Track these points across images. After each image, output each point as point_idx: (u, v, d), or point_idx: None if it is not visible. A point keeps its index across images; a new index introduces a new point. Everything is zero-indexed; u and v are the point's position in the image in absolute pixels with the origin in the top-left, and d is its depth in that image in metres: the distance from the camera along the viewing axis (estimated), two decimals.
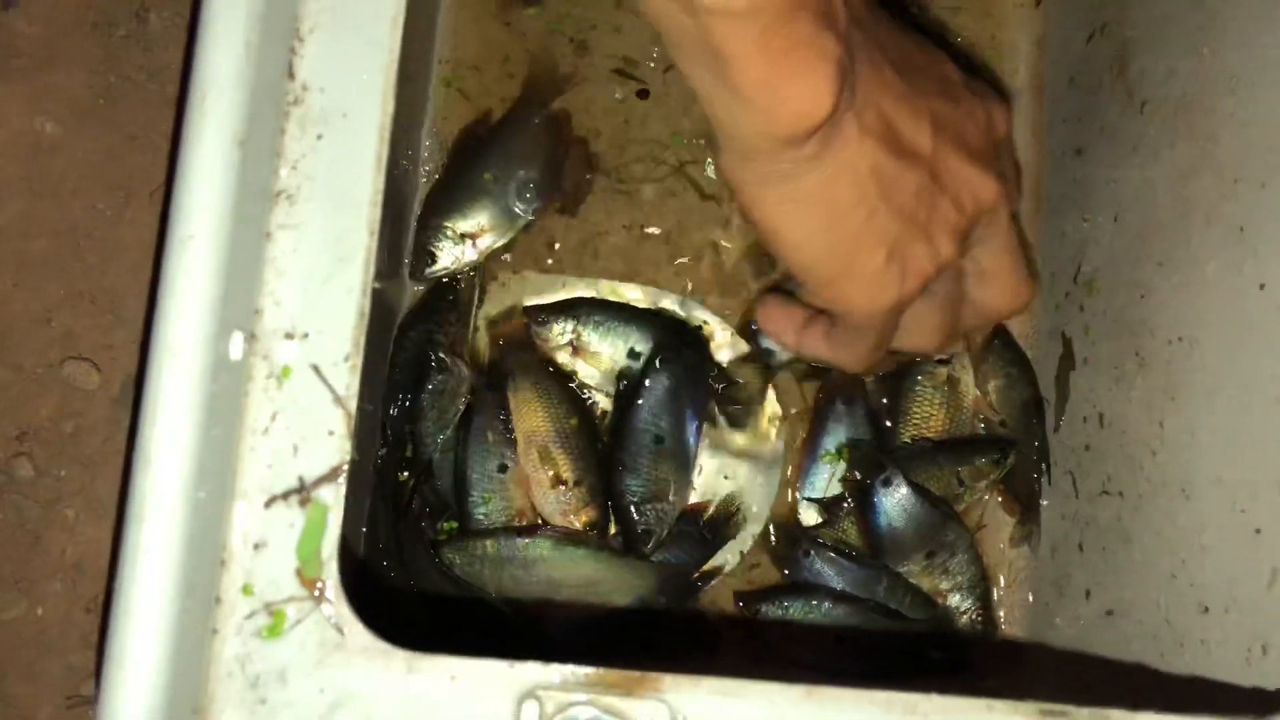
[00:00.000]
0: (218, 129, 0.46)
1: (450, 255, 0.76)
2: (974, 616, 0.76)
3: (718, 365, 0.77)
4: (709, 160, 0.81)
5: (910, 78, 0.53)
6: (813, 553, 0.76)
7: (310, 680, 0.45)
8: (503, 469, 0.74)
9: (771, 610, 0.75)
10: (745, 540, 0.77)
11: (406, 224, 0.77)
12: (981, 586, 0.76)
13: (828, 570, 0.75)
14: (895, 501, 0.75)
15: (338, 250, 0.48)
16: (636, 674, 0.45)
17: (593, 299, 0.78)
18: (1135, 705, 0.45)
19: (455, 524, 0.75)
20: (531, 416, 0.75)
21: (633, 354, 0.76)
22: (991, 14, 0.85)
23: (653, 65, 0.82)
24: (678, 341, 0.76)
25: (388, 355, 0.75)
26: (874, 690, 0.45)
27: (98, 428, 0.79)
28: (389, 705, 0.45)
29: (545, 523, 0.74)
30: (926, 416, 0.78)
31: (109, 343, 0.80)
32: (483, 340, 0.77)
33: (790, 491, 0.78)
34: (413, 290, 0.78)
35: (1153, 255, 0.65)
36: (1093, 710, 0.45)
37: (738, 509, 0.77)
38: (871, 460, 0.76)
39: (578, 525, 0.74)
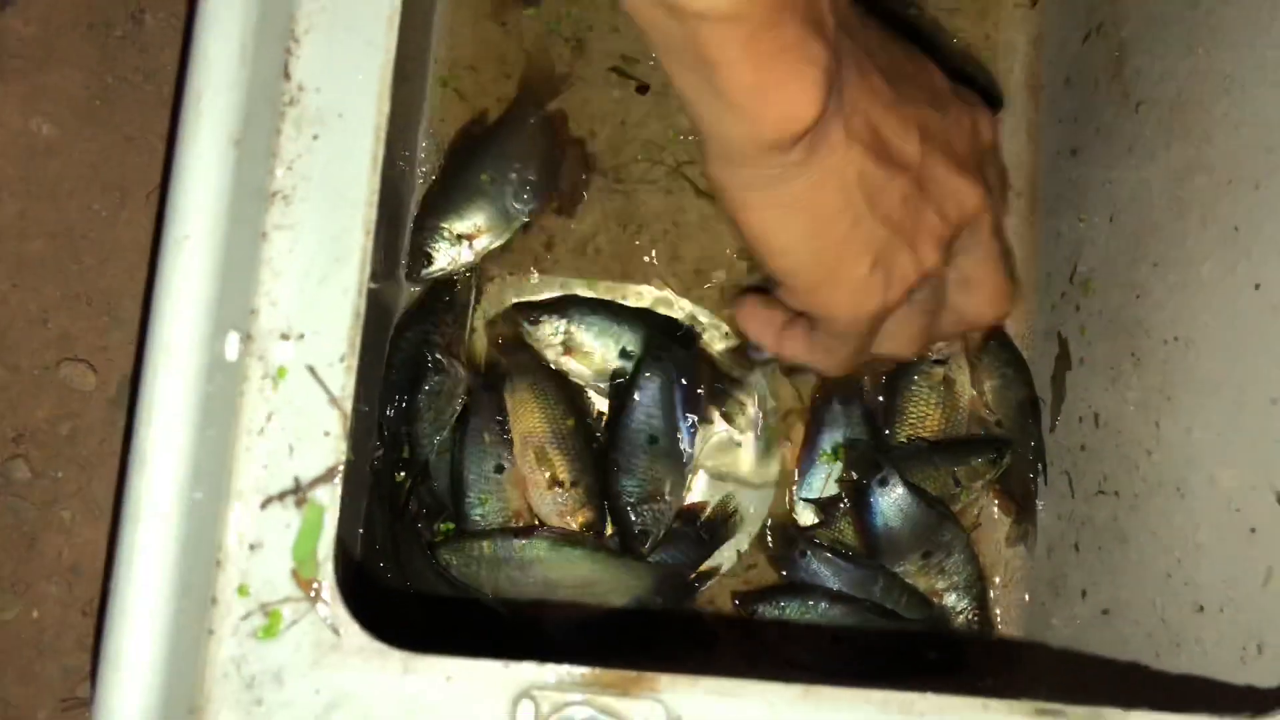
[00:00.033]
0: (213, 129, 0.46)
1: (447, 256, 0.76)
2: (970, 616, 0.76)
3: (711, 364, 0.77)
4: None
5: (898, 85, 0.53)
6: (809, 553, 0.76)
7: (306, 681, 0.45)
8: (499, 470, 0.74)
9: (768, 610, 0.75)
10: (742, 540, 0.77)
11: (403, 224, 0.77)
12: (977, 586, 0.76)
13: (824, 570, 0.75)
14: (891, 502, 0.75)
15: (333, 251, 0.48)
16: (632, 674, 0.45)
17: (584, 297, 0.78)
18: (1131, 704, 0.45)
19: (452, 525, 0.75)
20: (528, 417, 0.75)
21: (625, 353, 0.76)
22: (988, 14, 0.85)
23: (651, 64, 0.82)
24: (670, 341, 0.76)
25: (384, 356, 0.75)
26: (870, 690, 0.45)
27: (94, 429, 0.79)
28: (385, 706, 0.45)
29: (542, 523, 0.74)
30: (923, 417, 0.78)
31: (105, 344, 0.80)
32: (479, 341, 0.77)
33: (787, 492, 0.78)
34: (409, 291, 0.78)
35: (1148, 255, 0.65)
36: (1089, 709, 0.45)
37: (734, 509, 0.77)
38: (868, 460, 0.76)
39: (574, 526, 0.74)
